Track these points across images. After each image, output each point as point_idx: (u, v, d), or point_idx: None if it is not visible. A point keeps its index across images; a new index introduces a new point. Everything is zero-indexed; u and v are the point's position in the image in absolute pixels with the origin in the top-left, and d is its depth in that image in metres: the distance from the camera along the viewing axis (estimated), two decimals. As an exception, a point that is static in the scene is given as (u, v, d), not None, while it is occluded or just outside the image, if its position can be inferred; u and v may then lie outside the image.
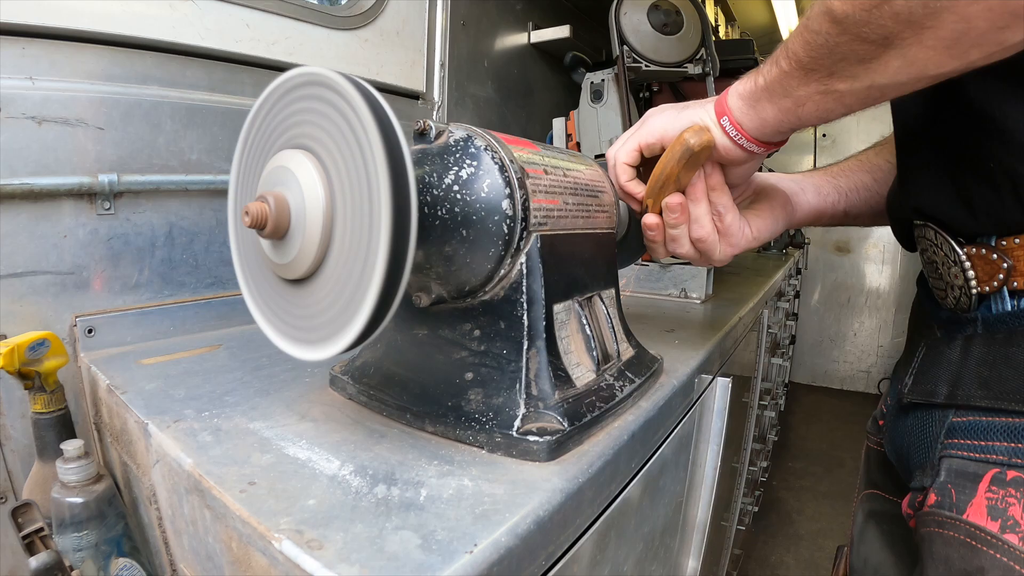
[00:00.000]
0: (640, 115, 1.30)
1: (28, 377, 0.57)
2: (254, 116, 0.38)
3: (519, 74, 1.24)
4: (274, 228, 0.32)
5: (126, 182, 0.66)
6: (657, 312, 0.97)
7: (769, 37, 2.58)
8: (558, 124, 1.25)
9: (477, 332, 0.45)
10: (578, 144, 1.24)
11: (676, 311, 0.99)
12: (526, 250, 0.43)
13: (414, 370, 0.46)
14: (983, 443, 0.40)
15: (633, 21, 1.04)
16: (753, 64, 1.40)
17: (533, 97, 1.32)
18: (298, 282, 0.35)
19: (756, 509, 1.84)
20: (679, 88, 1.37)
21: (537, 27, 1.23)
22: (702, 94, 1.33)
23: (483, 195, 0.40)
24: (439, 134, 0.43)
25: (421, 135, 0.42)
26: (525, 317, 0.43)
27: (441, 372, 0.45)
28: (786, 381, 2.35)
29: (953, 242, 0.43)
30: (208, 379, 0.54)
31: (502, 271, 0.43)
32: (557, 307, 0.46)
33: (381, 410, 0.47)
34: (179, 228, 0.71)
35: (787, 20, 2.49)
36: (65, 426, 0.58)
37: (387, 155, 0.29)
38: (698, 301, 1.09)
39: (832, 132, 3.21)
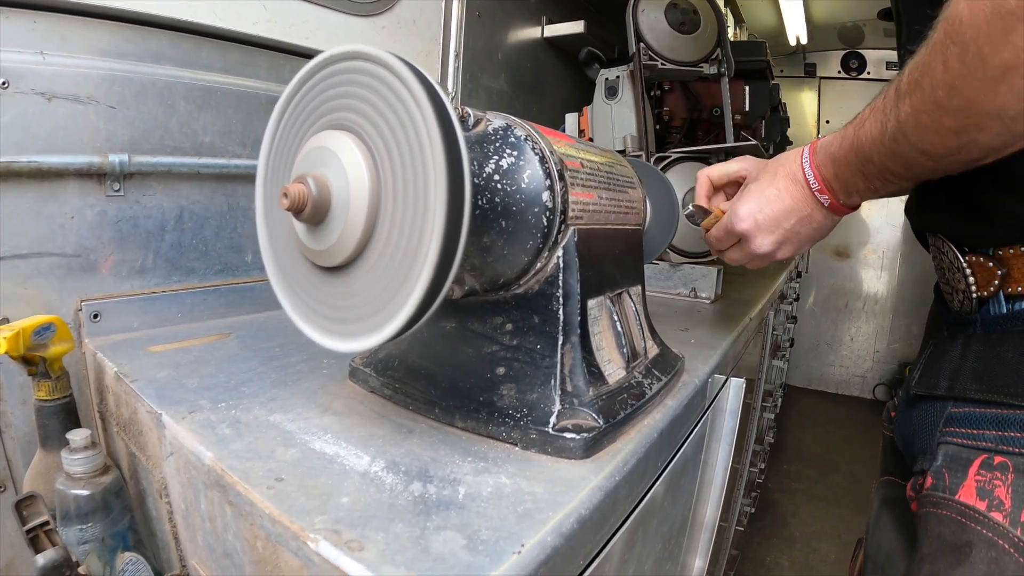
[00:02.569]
0: (653, 112, 1.26)
1: (32, 363, 0.55)
2: (290, 94, 0.36)
3: (531, 68, 1.23)
4: (313, 212, 0.31)
5: (137, 163, 0.64)
6: (668, 311, 0.97)
7: (776, 39, 2.58)
8: (571, 119, 1.24)
9: (509, 326, 0.43)
10: (591, 140, 1.22)
11: (687, 310, 0.98)
12: (563, 244, 0.42)
13: (441, 364, 0.45)
14: (975, 431, 0.44)
15: (650, 19, 1.02)
16: (765, 66, 1.39)
17: (544, 91, 1.30)
18: (335, 270, 0.33)
19: (752, 510, 1.84)
20: (690, 87, 1.36)
21: (551, 21, 1.21)
22: (714, 94, 1.31)
23: (524, 186, 0.39)
24: (477, 122, 0.41)
25: (460, 122, 0.41)
26: (560, 312, 0.42)
27: (471, 366, 0.44)
28: (783, 384, 2.35)
29: (957, 251, 0.47)
30: (221, 368, 0.52)
31: (538, 264, 0.42)
32: (591, 303, 0.45)
33: (407, 404, 0.46)
34: (190, 212, 0.69)
35: (794, 23, 2.49)
36: (69, 414, 0.56)
37: (444, 139, 0.28)
38: (707, 301, 1.08)
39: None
